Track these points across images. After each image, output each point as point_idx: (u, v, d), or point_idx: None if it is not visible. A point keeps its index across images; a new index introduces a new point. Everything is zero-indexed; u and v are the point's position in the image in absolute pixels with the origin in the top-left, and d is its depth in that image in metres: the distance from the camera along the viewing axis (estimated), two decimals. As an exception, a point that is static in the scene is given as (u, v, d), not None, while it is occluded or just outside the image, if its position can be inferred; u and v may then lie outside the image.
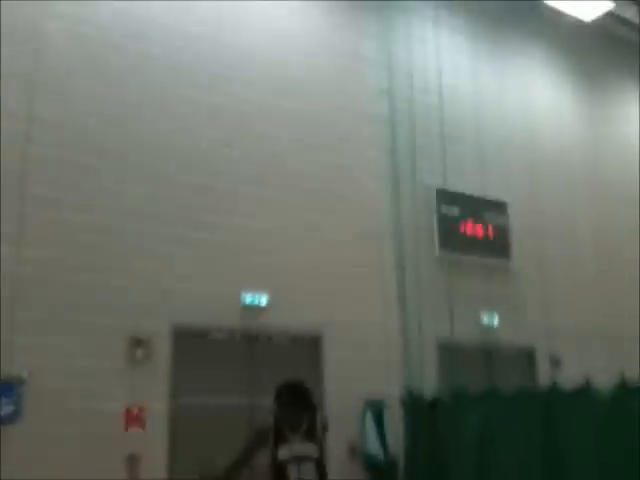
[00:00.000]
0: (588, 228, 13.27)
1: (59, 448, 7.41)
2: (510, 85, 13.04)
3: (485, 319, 11.47)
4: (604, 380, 7.35)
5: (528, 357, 11.99)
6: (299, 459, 4.95)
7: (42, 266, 7.77)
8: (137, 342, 8.11)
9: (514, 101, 12.93)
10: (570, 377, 9.48)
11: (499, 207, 12.12)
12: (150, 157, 8.77)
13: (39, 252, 7.78)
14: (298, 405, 5.26)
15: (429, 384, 10.07)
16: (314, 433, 5.20)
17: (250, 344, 9.09)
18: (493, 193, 12.00)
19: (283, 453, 5.01)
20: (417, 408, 9.38)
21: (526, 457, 7.54)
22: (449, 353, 10.89)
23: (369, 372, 9.77)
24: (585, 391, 7.40)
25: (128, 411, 7.92)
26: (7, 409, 7.21)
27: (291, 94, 10.16)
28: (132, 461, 7.79)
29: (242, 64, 9.79)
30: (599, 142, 14.32)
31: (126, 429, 7.88)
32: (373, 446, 9.44)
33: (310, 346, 9.54)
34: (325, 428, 5.58)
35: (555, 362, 12.02)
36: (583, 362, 11.36)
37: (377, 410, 9.66)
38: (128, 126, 8.70)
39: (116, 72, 8.75)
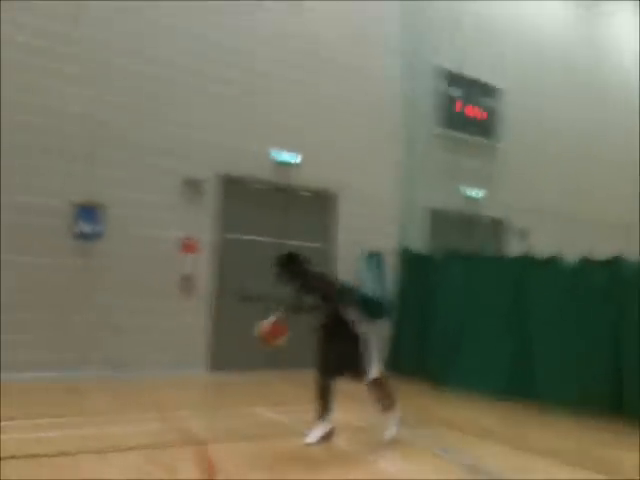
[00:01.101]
0: (573, 121, 14.79)
1: (131, 261, 9.03)
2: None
3: (470, 192, 13.18)
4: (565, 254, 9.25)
5: (501, 227, 13.89)
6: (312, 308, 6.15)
7: (116, 112, 8.95)
8: (190, 183, 9.54)
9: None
10: (535, 248, 11.59)
11: (495, 92, 13.47)
12: (218, 33, 9.76)
13: (114, 97, 8.93)
14: (290, 274, 6.33)
15: (420, 243, 12.00)
16: (308, 283, 6.16)
17: (281, 195, 10.63)
18: (492, 79, 13.26)
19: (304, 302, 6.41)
20: (412, 260, 11.35)
21: (500, 310, 9.55)
22: (439, 219, 12.69)
23: (372, 227, 11.53)
24: (554, 261, 9.32)
25: (184, 240, 9.52)
26: (89, 228, 8.69)
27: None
28: (186, 279, 9.52)
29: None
30: (595, 43, 15.55)
31: (182, 253, 9.51)
32: (368, 288, 11.36)
33: (328, 201, 11.16)
34: (313, 274, 6.30)
35: (523, 234, 14.01)
36: (549, 237, 13.44)
37: (376, 259, 11.50)
38: None
39: None
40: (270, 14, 10.41)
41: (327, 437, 6.11)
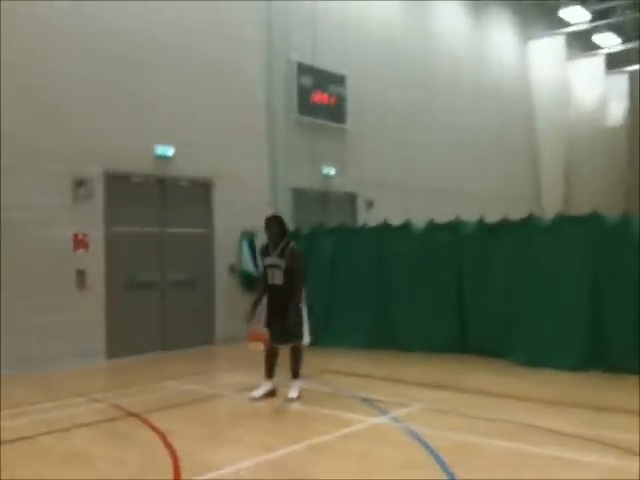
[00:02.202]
0: (408, 100, 16.71)
1: (30, 263, 9.50)
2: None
3: (325, 171, 14.68)
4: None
5: (352, 200, 15.58)
6: (273, 267, 7.60)
7: (8, 123, 9.32)
8: (79, 183, 10.14)
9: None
10: (377, 216, 13.40)
11: (340, 80, 14.99)
12: (92, 34, 10.27)
13: (4, 109, 9.30)
14: (278, 231, 7.39)
15: (287, 220, 13.29)
16: (284, 252, 7.29)
17: (160, 187, 11.45)
18: (335, 68, 14.75)
19: (266, 261, 7.62)
20: (282, 237, 12.62)
21: (364, 274, 11.14)
22: (300, 196, 14.07)
23: (245, 210, 12.61)
24: (406, 227, 11.06)
25: (75, 236, 10.11)
26: (-14, 234, 9.06)
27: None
28: (79, 274, 10.14)
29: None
30: (421, 31, 17.59)
31: (74, 250, 10.11)
32: (247, 264, 12.54)
33: (204, 189, 12.11)
34: (295, 251, 7.32)
35: (369, 204, 15.83)
36: (389, 206, 15.38)
37: (250, 239, 12.66)
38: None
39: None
40: (142, 17, 11.02)
41: (270, 394, 7.28)
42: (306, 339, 7.45)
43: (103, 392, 8.11)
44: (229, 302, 12.18)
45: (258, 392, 7.35)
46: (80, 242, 10.16)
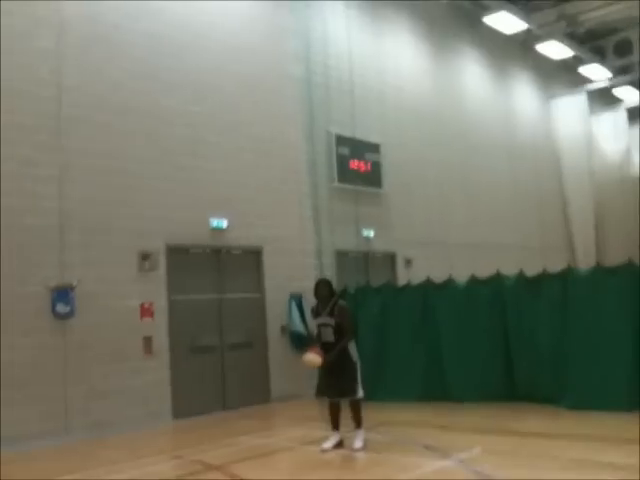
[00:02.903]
0: (439, 161, 17.63)
1: (100, 333, 10.28)
2: (386, 50, 16.69)
3: (364, 233, 15.45)
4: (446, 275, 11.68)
5: (391, 259, 16.27)
6: (324, 325, 8.28)
7: (81, 204, 10.29)
8: (145, 256, 11.00)
9: (388, 64, 16.64)
10: (416, 273, 14.05)
11: (375, 148, 15.93)
12: (150, 118, 11.34)
13: (78, 191, 10.29)
14: (327, 293, 8.17)
15: (332, 281, 14.01)
16: (333, 310, 8.13)
17: (216, 256, 12.27)
18: (372, 136, 15.72)
19: (317, 321, 8.31)
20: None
21: (411, 329, 11.71)
22: (341, 258, 14.81)
23: (293, 272, 13.40)
24: (449, 283, 11.67)
25: (142, 306, 10.90)
26: (65, 308, 9.90)
27: (233, 60, 12.94)
28: (146, 340, 10.88)
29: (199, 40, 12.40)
30: (446, 93, 18.64)
31: (141, 318, 10.88)
32: (296, 325, 13.19)
33: (255, 255, 12.92)
34: (344, 309, 8.07)
35: (408, 262, 16.50)
36: (427, 263, 16.03)
37: (298, 300, 13.35)
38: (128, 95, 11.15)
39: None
40: (198, 100, 12.10)
41: (338, 445, 7.83)
42: (360, 393, 7.99)
43: (181, 449, 8.70)
44: (282, 362, 12.81)
45: (328, 444, 7.88)
46: (146, 311, 10.94)
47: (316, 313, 8.35)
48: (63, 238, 10.05)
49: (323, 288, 8.28)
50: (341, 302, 8.29)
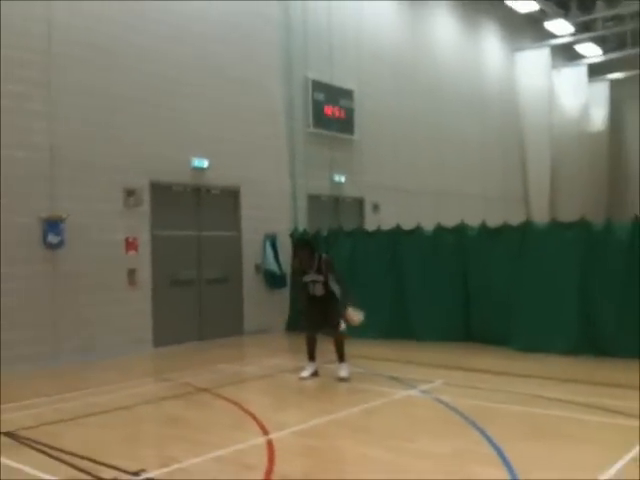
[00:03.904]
0: (409, 110, 18.21)
1: (88, 264, 10.82)
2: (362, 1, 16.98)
3: (336, 178, 16.09)
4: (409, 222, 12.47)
5: (360, 204, 17.01)
6: (313, 282, 8.88)
7: (70, 140, 10.64)
8: (129, 192, 11.46)
9: (366, 12, 16.96)
10: (384, 219, 14.83)
11: (349, 94, 16.41)
12: (136, 58, 11.61)
13: (68, 127, 10.62)
14: (309, 254, 8.60)
15: (304, 224, 14.74)
16: (320, 268, 8.55)
17: (196, 195, 12.80)
18: (345, 83, 16.18)
19: (305, 278, 8.89)
20: (302, 239, 14.00)
21: (379, 272, 12.55)
22: (313, 202, 15.47)
23: (268, 214, 14.04)
24: (417, 230, 12.48)
25: (127, 240, 11.44)
26: (55, 239, 10.37)
27: (216, 4, 13.17)
28: (130, 272, 11.46)
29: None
30: (419, 44, 19.08)
31: (126, 252, 11.43)
32: (270, 264, 13.90)
33: (233, 196, 13.47)
34: (329, 263, 8.55)
35: (375, 208, 17.27)
36: (394, 209, 16.84)
37: (273, 240, 14.03)
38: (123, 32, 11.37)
39: None
40: (178, 40, 12.36)
41: (315, 374, 8.64)
42: (343, 326, 8.76)
43: (168, 373, 9.45)
44: (255, 297, 13.59)
45: (306, 372, 8.68)
46: (131, 244, 11.49)
47: (302, 272, 8.82)
48: (53, 172, 10.45)
49: (304, 251, 8.78)
50: (324, 256, 8.82)
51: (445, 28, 20.52)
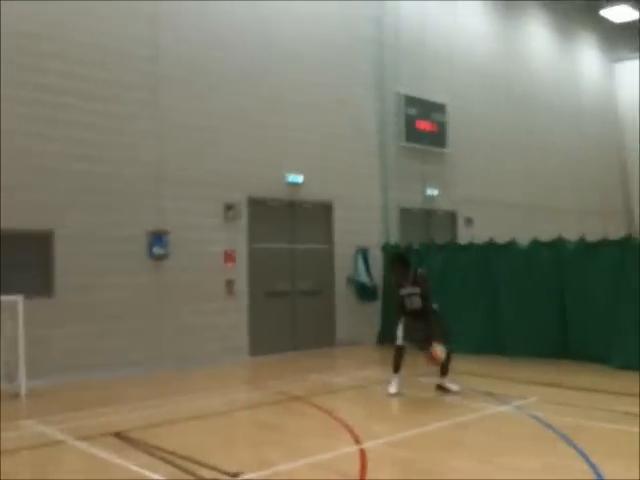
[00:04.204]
0: (502, 122, 18.02)
1: (190, 275, 11.37)
2: (456, 12, 17.03)
3: (428, 191, 16.12)
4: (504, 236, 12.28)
5: (452, 218, 16.94)
6: (410, 295, 8.95)
7: (175, 157, 11.28)
8: (228, 207, 11.97)
9: (457, 26, 17.00)
10: (477, 233, 14.69)
11: (441, 108, 16.43)
12: (235, 79, 12.18)
13: (173, 145, 11.25)
14: (403, 268, 8.73)
15: (396, 237, 14.85)
16: (417, 280, 8.65)
17: (291, 209, 13.20)
18: (438, 97, 16.22)
19: (402, 291, 8.99)
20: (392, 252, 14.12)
21: (472, 286, 12.46)
22: (405, 215, 15.57)
23: (360, 227, 14.26)
24: (511, 244, 12.33)
25: (225, 252, 11.94)
26: (160, 250, 10.99)
27: (312, 24, 13.59)
28: (229, 283, 11.95)
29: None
30: (512, 56, 18.87)
31: (225, 263, 11.93)
32: (361, 276, 14.09)
33: (326, 210, 13.78)
34: (424, 277, 8.65)
35: (468, 222, 17.14)
36: (487, 222, 16.65)
37: (364, 253, 14.22)
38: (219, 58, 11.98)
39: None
40: (281, 61, 12.85)
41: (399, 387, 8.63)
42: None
43: (263, 381, 9.80)
44: (347, 309, 13.81)
45: (393, 388, 8.53)
46: (229, 256, 11.98)
47: (399, 285, 8.87)
48: (159, 188, 11.08)
49: (398, 263, 8.93)
50: (420, 270, 8.88)
51: (539, 39, 20.17)
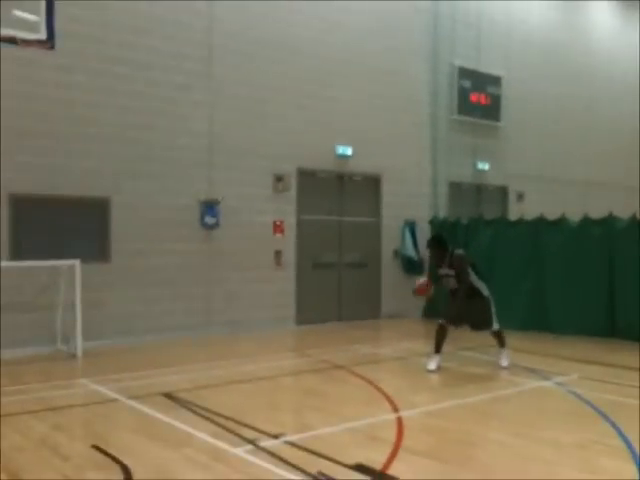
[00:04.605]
0: (559, 96, 17.62)
1: (239, 244, 11.65)
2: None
3: (479, 165, 15.97)
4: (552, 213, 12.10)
5: (503, 193, 16.76)
6: (447, 276, 8.69)
7: (226, 128, 11.49)
8: (278, 178, 12.15)
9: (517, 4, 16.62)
10: (528, 209, 14.49)
11: (496, 81, 16.16)
12: (287, 50, 12.27)
13: (225, 116, 11.46)
14: (441, 249, 8.59)
15: (445, 211, 14.82)
16: (452, 262, 8.42)
17: (340, 181, 13.30)
18: (494, 69, 15.97)
19: (439, 272, 8.78)
20: (441, 226, 14.11)
21: (520, 262, 12.39)
22: (455, 189, 15.50)
23: (408, 200, 14.27)
24: (561, 221, 12.18)
25: (274, 222, 12.16)
26: (212, 220, 11.28)
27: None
28: (277, 253, 12.19)
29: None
30: (571, 27, 18.36)
31: (273, 234, 12.16)
32: (409, 250, 14.15)
33: (374, 182, 13.85)
34: (460, 259, 8.40)
35: (520, 197, 16.93)
36: (538, 198, 16.40)
37: (412, 227, 14.25)
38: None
39: None
40: (327, 33, 12.87)
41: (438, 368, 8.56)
42: (496, 325, 8.62)
43: (308, 349, 10.04)
44: (393, 282, 13.90)
45: (432, 365, 8.47)
46: (278, 227, 12.21)
47: (437, 265, 8.86)
48: (211, 158, 11.33)
49: (435, 246, 8.82)
50: (456, 252, 8.67)
51: (599, 9, 19.49)
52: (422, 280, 9.05)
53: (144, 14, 10.70)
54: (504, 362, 8.73)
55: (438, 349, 8.62)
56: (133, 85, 10.59)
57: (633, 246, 10.97)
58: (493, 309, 8.62)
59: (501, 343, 8.83)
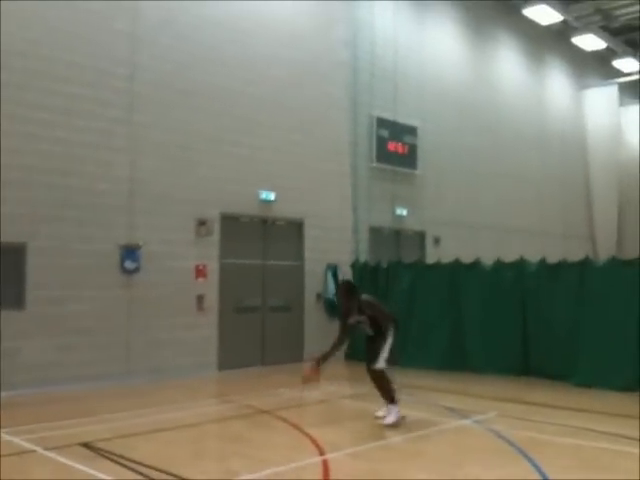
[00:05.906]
0: (471, 146, 18.51)
1: (161, 289, 11.51)
2: (427, 38, 17.55)
3: (398, 211, 16.47)
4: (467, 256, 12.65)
5: (421, 237, 17.29)
6: (360, 323, 8.20)
7: (149, 174, 11.45)
8: (201, 222, 12.16)
9: (429, 51, 17.52)
10: (444, 252, 15.04)
11: (412, 130, 16.84)
12: (212, 98, 12.42)
13: (146, 162, 11.44)
14: (348, 298, 8.12)
15: (365, 255, 15.16)
16: (362, 309, 8.00)
17: (263, 226, 13.42)
18: (409, 120, 16.65)
19: (350, 320, 8.07)
20: (362, 269, 14.42)
21: (438, 304, 12.79)
22: (375, 234, 15.89)
23: (330, 245, 14.52)
24: (476, 264, 12.70)
25: (197, 267, 12.10)
26: (132, 265, 11.12)
27: (287, 46, 13.91)
28: (199, 298, 12.10)
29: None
30: (482, 81, 19.43)
31: (196, 278, 12.09)
32: (331, 293, 14.33)
33: (297, 227, 14.04)
34: (367, 303, 8.05)
35: (436, 241, 17.52)
36: (454, 242, 17.03)
37: (334, 270, 14.48)
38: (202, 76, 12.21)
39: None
40: (253, 82, 13.13)
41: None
42: (380, 364, 8.02)
43: (232, 394, 9.94)
44: (316, 325, 14.00)
45: (390, 419, 7.83)
46: (200, 272, 12.15)
47: (344, 315, 8.35)
48: (132, 203, 11.23)
49: (343, 295, 8.43)
50: (364, 298, 8.36)
51: (509, 65, 20.79)
52: (308, 367, 8.20)
53: (66, 62, 10.64)
54: (387, 419, 7.86)
55: (392, 399, 8.01)
56: (53, 131, 10.44)
57: (543, 288, 11.55)
58: (387, 351, 8.08)
59: (385, 394, 7.99)
